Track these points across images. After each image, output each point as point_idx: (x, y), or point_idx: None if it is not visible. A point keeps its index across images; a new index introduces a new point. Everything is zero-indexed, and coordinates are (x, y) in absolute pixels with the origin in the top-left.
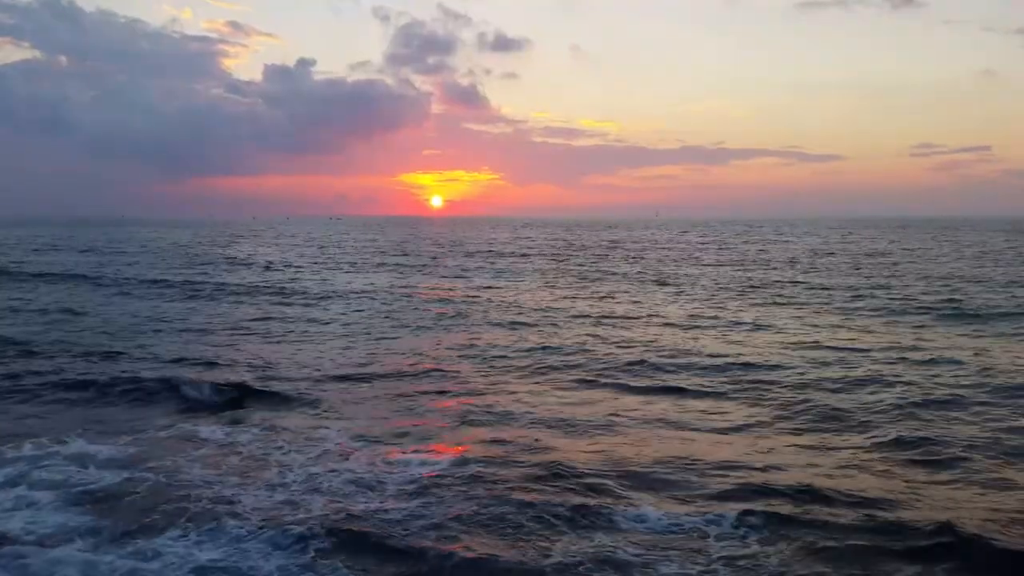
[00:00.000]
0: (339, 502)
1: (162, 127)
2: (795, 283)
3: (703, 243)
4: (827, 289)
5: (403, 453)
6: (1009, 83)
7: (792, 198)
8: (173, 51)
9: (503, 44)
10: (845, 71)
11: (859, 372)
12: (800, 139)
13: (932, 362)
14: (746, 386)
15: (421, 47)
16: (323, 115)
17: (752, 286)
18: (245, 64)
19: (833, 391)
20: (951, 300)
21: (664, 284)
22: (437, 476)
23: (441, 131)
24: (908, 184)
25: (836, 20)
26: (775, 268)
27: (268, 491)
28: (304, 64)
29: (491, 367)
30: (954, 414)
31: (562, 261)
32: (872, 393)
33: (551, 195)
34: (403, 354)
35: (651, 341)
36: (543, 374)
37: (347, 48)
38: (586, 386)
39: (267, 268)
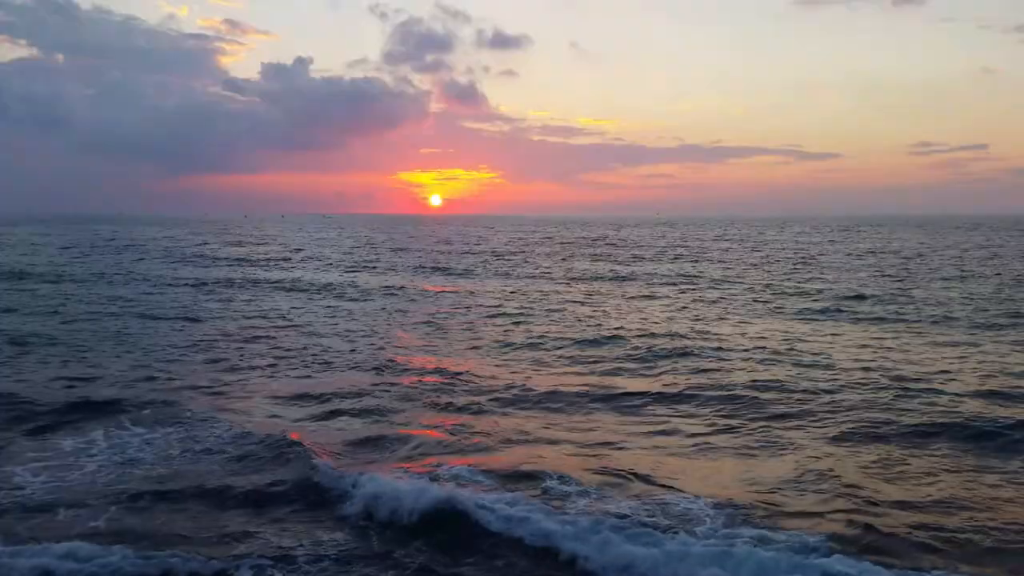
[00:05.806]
0: None
1: (159, 125)
2: None
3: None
4: None
5: None
6: (1007, 81)
7: (790, 196)
8: (170, 48)
9: (502, 41)
10: (843, 69)
11: None
12: (798, 137)
13: None
14: None
15: (419, 45)
16: (321, 113)
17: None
18: (242, 62)
19: None
20: None
21: None
22: None
23: (439, 129)
24: (907, 182)
25: (835, 18)
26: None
27: None
28: (301, 62)
29: None
30: None
31: None
32: None
33: (549, 193)
34: None
35: None
36: None
37: (344, 46)
38: None
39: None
